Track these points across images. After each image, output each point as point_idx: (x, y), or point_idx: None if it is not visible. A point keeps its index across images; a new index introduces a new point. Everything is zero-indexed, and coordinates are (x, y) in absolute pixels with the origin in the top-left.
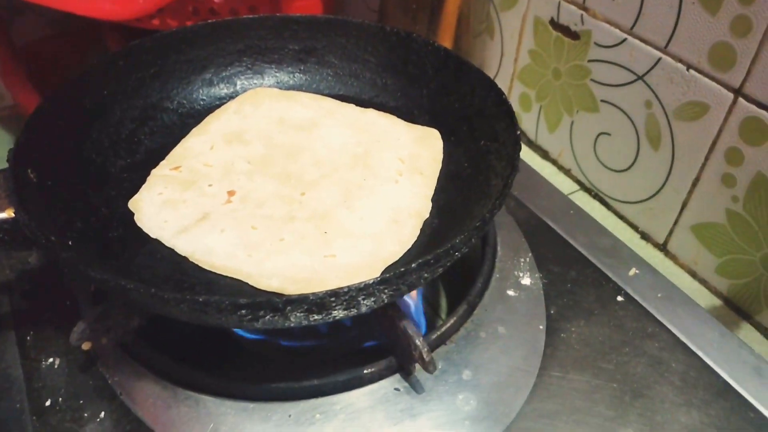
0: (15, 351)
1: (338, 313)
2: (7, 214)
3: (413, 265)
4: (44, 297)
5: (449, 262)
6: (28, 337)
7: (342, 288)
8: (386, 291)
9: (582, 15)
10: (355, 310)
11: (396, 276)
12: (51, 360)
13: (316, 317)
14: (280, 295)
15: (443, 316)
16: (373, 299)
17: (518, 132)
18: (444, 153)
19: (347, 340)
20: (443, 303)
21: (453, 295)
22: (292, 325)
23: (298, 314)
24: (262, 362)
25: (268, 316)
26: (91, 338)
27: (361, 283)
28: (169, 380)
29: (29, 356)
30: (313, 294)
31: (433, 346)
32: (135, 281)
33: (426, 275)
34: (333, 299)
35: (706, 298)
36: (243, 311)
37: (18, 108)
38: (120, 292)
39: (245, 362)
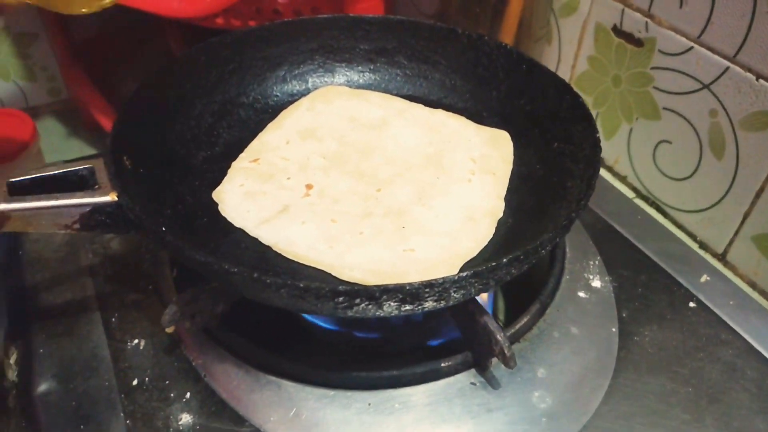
0: (101, 332)
1: (429, 304)
2: (111, 197)
3: (504, 260)
4: (126, 281)
5: (536, 258)
6: (113, 319)
7: (437, 279)
8: (476, 285)
9: (647, 22)
10: (444, 302)
11: (488, 270)
12: (136, 341)
13: (407, 307)
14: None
15: (501, 317)
16: (463, 292)
17: (597, 134)
18: (515, 155)
19: (417, 334)
20: (500, 305)
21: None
22: (383, 314)
23: (392, 303)
24: (335, 352)
25: (363, 304)
26: (177, 321)
27: (454, 275)
28: (252, 365)
29: (115, 337)
30: (409, 284)
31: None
32: (237, 266)
33: (514, 271)
34: (427, 290)
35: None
36: (340, 298)
37: (73, 102)
38: (223, 275)
39: (319, 351)
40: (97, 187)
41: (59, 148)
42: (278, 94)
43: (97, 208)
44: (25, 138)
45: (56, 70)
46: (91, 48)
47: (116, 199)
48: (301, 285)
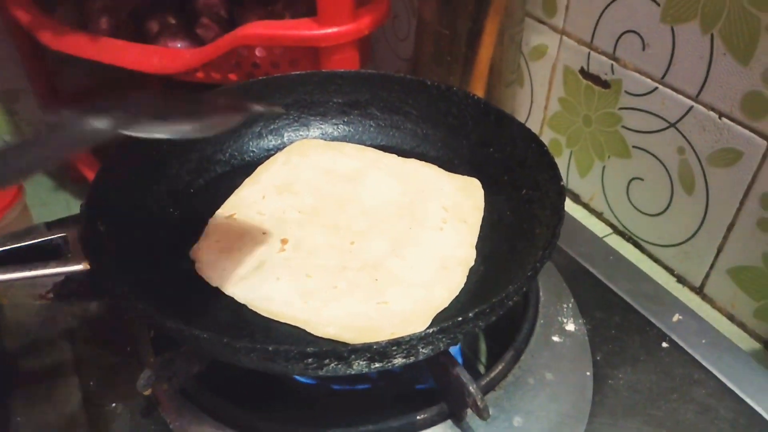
0: (79, 396)
1: (398, 361)
2: (83, 266)
3: (470, 314)
4: (104, 343)
5: (503, 310)
6: (91, 383)
7: (403, 337)
8: (444, 339)
9: (612, 65)
10: (414, 358)
11: (454, 325)
12: (113, 405)
13: (377, 365)
14: (341, 344)
15: (483, 359)
16: (431, 347)
17: (562, 182)
18: (486, 202)
19: (396, 383)
20: (482, 347)
21: (491, 338)
22: (353, 372)
23: (361, 362)
24: (314, 406)
25: (332, 364)
26: (153, 384)
27: (421, 332)
28: (228, 425)
29: (93, 401)
30: (376, 343)
31: (483, 393)
32: (207, 331)
33: (481, 324)
34: (395, 348)
35: (744, 342)
36: (309, 360)
37: None
38: (193, 341)
39: (297, 406)
40: (69, 255)
41: (46, 201)
42: (254, 149)
43: (70, 276)
44: (9, 196)
45: (42, 124)
46: (76, 102)
47: (87, 267)
48: (270, 348)
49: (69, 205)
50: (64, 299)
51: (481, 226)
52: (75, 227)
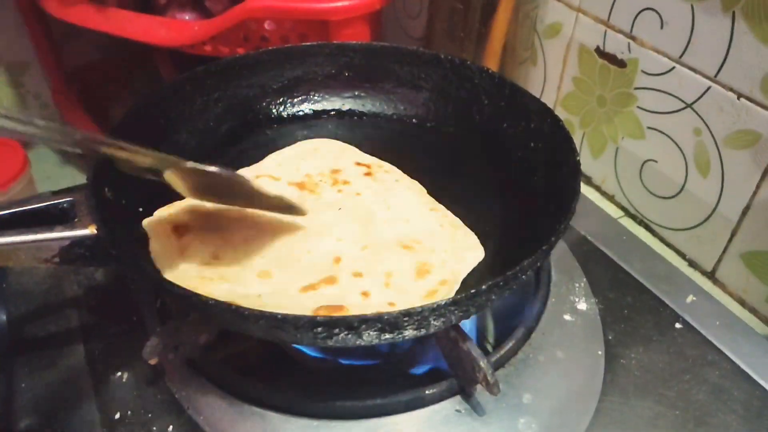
0: (84, 364)
1: (409, 333)
2: (90, 230)
3: (483, 287)
4: (110, 312)
5: (516, 284)
6: (97, 351)
7: (415, 308)
8: (456, 312)
9: (629, 43)
10: (425, 330)
11: (466, 297)
12: (119, 374)
13: (387, 336)
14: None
15: (490, 339)
16: (443, 320)
17: (578, 156)
18: (499, 176)
19: (403, 360)
20: (490, 327)
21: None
22: (363, 343)
23: (371, 333)
24: (321, 380)
25: (342, 334)
26: (159, 353)
27: (433, 303)
28: (235, 396)
29: (98, 370)
30: (387, 313)
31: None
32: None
33: (494, 297)
34: (406, 319)
35: (756, 327)
36: (319, 329)
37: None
38: (200, 308)
39: (305, 379)
40: (76, 220)
41: (52, 175)
42: (265, 121)
43: (76, 241)
44: (16, 167)
45: (49, 97)
46: (83, 75)
47: (95, 232)
48: (279, 316)
49: (75, 180)
50: (70, 264)
51: (494, 201)
52: (82, 193)
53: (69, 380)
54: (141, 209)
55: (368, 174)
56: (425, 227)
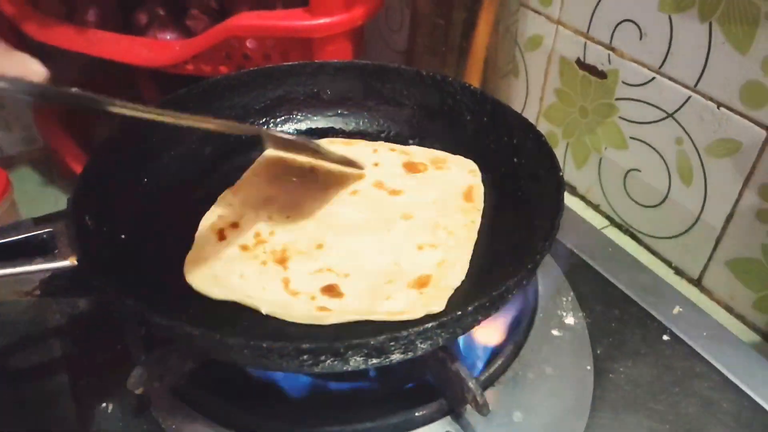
0: (68, 395)
1: (395, 357)
2: (70, 261)
3: (470, 308)
4: (95, 341)
5: (503, 304)
6: (81, 382)
7: (401, 332)
8: (442, 334)
9: (609, 55)
10: (412, 353)
11: (453, 320)
12: (104, 404)
13: (374, 361)
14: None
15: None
16: (429, 342)
17: (561, 173)
18: (485, 192)
19: (393, 381)
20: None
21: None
22: (350, 368)
23: (357, 358)
24: (311, 404)
25: (328, 361)
26: (145, 383)
27: (419, 327)
28: (222, 425)
29: (82, 400)
30: (374, 339)
31: (482, 388)
32: (199, 327)
33: (480, 318)
34: (392, 343)
35: (744, 334)
36: (305, 356)
37: (48, 150)
38: (185, 338)
39: (294, 404)
40: (56, 251)
41: (35, 197)
42: (248, 142)
43: (57, 273)
44: None
45: (30, 119)
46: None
47: (76, 263)
48: (264, 345)
49: (58, 201)
50: (51, 296)
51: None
52: (62, 222)
53: (53, 412)
54: (123, 236)
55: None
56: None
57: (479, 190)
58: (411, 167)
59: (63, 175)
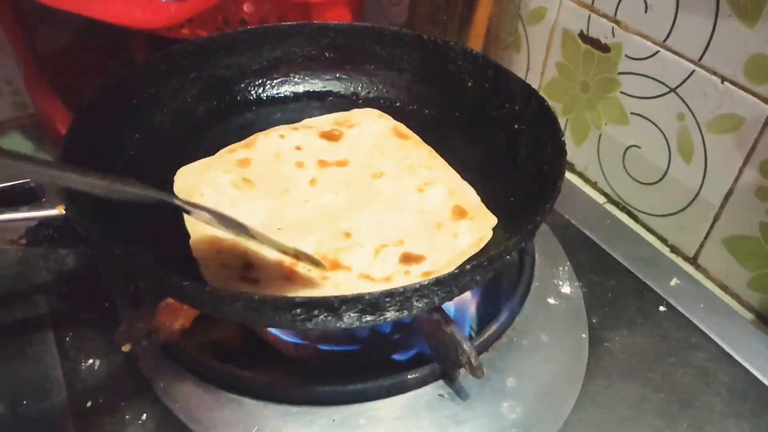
0: (54, 352)
1: (391, 314)
2: (59, 210)
3: (467, 267)
4: (82, 298)
5: (500, 264)
6: (67, 338)
7: (396, 288)
8: (439, 293)
9: (613, 28)
10: (407, 312)
11: (450, 277)
12: (91, 361)
13: (368, 318)
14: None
15: (473, 326)
16: (426, 300)
17: (563, 138)
18: (483, 159)
19: (384, 346)
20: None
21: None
22: (344, 326)
23: (351, 314)
24: (300, 366)
25: (321, 316)
26: (132, 340)
27: (415, 283)
28: (211, 383)
29: (69, 357)
30: (369, 294)
31: (476, 352)
32: (190, 279)
33: (478, 278)
34: (388, 300)
35: (738, 312)
36: (298, 310)
37: (39, 116)
38: (174, 290)
39: (283, 366)
40: (44, 200)
41: None
42: (243, 103)
43: (44, 222)
44: None
45: (21, 84)
46: (57, 61)
47: (64, 212)
48: (256, 297)
49: None
50: (37, 245)
51: (478, 184)
52: None
53: (38, 369)
54: None
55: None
56: None
57: (402, 127)
58: (329, 136)
59: (54, 141)
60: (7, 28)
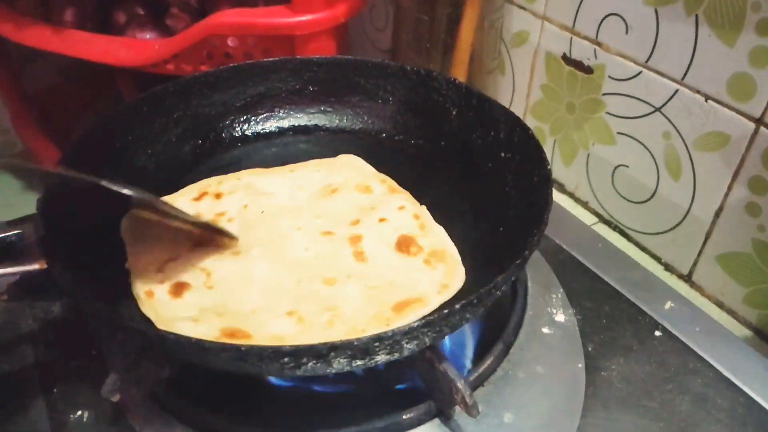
0: (42, 404)
1: (381, 358)
2: (40, 265)
3: (456, 306)
4: (69, 347)
5: (491, 301)
6: (55, 390)
7: (386, 332)
8: (429, 334)
9: (595, 49)
10: (398, 354)
11: (439, 318)
12: (79, 413)
13: (358, 362)
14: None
15: (469, 355)
16: (416, 342)
17: (549, 167)
18: (470, 189)
19: (380, 383)
20: (469, 341)
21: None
22: (333, 371)
23: (341, 360)
24: (294, 409)
25: (310, 363)
26: (121, 390)
27: (404, 326)
28: (201, 431)
29: (56, 409)
30: (357, 340)
31: (471, 388)
32: (173, 332)
33: (468, 316)
34: (377, 344)
35: (735, 329)
36: (286, 359)
37: (27, 155)
38: (159, 342)
39: (277, 409)
40: (26, 254)
41: (14, 202)
42: (228, 140)
43: (25, 276)
44: None
45: (8, 122)
46: (44, 99)
47: (45, 266)
48: (242, 348)
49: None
50: (19, 300)
51: (466, 215)
52: (31, 225)
53: (25, 422)
54: (94, 239)
55: (219, 195)
56: (316, 177)
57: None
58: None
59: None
60: None
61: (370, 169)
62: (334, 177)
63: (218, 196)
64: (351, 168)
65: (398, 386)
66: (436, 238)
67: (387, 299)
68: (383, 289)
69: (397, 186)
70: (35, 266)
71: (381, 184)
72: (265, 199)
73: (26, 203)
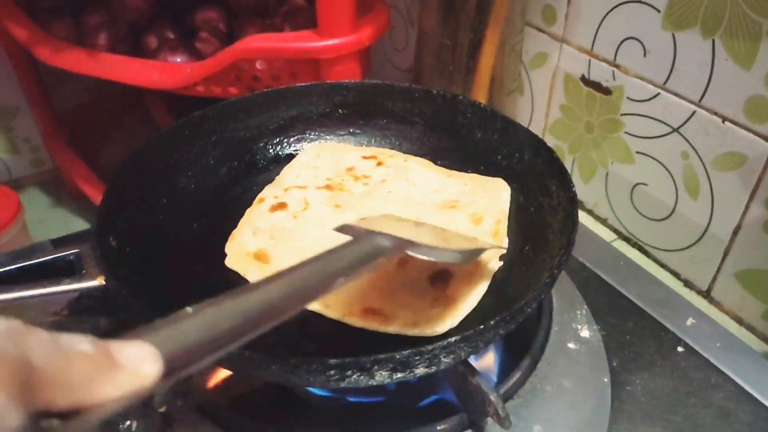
0: None
1: (419, 370)
2: (98, 282)
3: (491, 322)
4: None
5: (522, 317)
6: None
7: (426, 347)
8: (465, 348)
9: (613, 71)
10: (435, 367)
11: (476, 333)
12: (128, 423)
13: (398, 375)
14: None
15: (495, 370)
16: (452, 356)
17: (573, 188)
18: None
19: (412, 394)
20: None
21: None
22: (375, 383)
23: (383, 372)
24: (330, 419)
25: (354, 376)
26: (168, 400)
27: (443, 341)
28: None
29: (107, 420)
30: (399, 353)
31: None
32: None
33: (501, 331)
34: (417, 358)
35: (754, 345)
36: (332, 371)
37: (57, 171)
38: None
39: (315, 419)
40: (84, 272)
41: (44, 218)
42: (262, 161)
43: (84, 293)
44: (9, 213)
45: (39, 141)
46: (74, 118)
47: (103, 283)
48: (292, 361)
49: (67, 222)
50: (78, 315)
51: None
52: (88, 243)
53: None
54: (146, 255)
55: (380, 163)
56: (454, 189)
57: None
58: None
59: (72, 196)
60: (26, 89)
61: (503, 207)
62: (467, 196)
63: (380, 164)
64: (490, 196)
65: (427, 401)
66: None
67: None
68: None
69: (503, 232)
70: (94, 283)
71: (495, 225)
72: (403, 184)
73: (56, 218)
